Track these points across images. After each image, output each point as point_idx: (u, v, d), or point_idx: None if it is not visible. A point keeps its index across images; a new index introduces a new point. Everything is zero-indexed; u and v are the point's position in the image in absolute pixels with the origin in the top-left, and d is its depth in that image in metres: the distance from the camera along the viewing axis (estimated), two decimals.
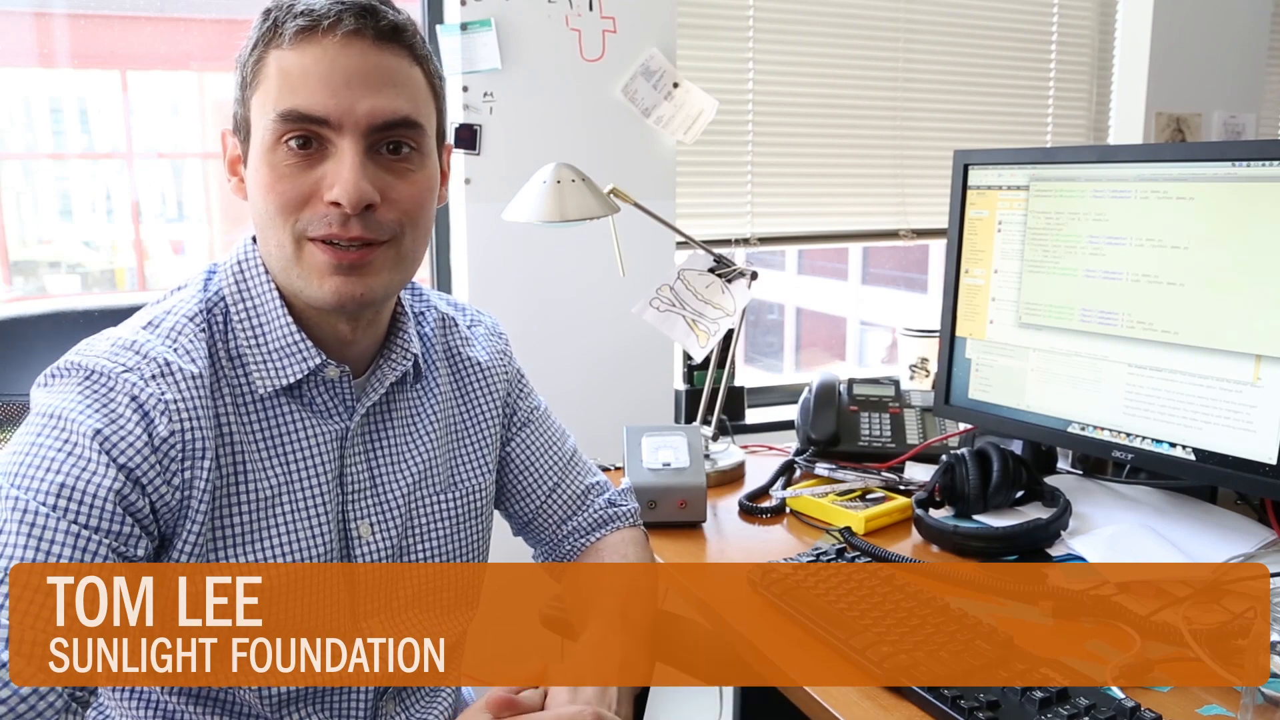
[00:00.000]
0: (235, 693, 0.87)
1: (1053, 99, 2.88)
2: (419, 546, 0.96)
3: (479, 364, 1.05)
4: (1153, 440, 1.18)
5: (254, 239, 0.90)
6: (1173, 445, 1.16)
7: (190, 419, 0.80)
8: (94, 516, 0.74)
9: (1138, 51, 2.89)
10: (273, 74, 0.81)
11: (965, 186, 1.37)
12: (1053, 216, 1.27)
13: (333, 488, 0.90)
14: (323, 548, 0.88)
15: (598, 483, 1.13)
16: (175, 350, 0.82)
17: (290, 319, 0.87)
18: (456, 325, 1.05)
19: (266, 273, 0.88)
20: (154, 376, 0.80)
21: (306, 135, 0.81)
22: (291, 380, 0.87)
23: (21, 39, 2.05)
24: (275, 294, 0.88)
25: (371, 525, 0.92)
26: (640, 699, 1.16)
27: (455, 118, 2.12)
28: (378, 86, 0.82)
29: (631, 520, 1.13)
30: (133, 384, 0.78)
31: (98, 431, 0.76)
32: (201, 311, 0.86)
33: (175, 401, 0.79)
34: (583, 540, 1.10)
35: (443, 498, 0.98)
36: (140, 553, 0.76)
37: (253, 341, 0.87)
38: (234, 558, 0.84)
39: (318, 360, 0.87)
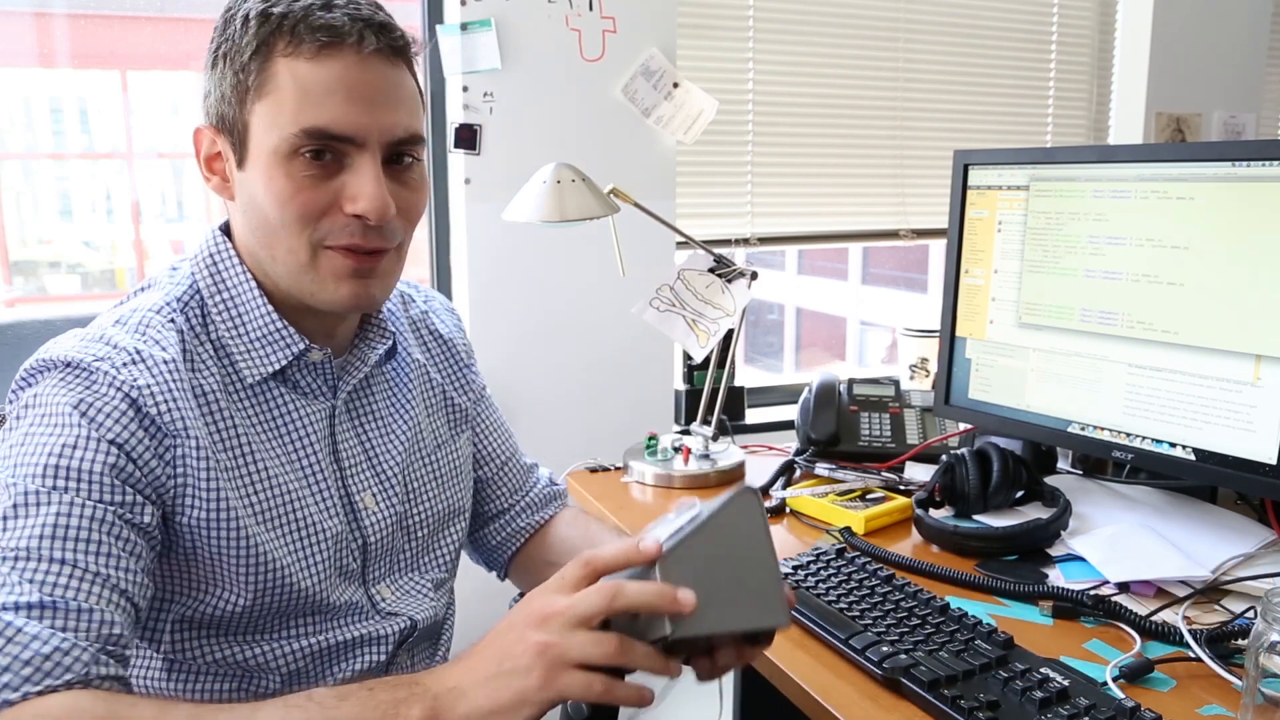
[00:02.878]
0: (254, 660, 0.89)
1: (1053, 99, 2.88)
2: (417, 510, 1.01)
3: (442, 335, 1.10)
4: (1153, 440, 1.18)
5: (222, 232, 0.92)
6: (1173, 445, 1.16)
7: (167, 400, 0.81)
8: (94, 489, 0.75)
9: (1138, 51, 2.89)
10: (287, 85, 0.81)
11: (965, 186, 1.37)
12: (1053, 216, 1.27)
13: (329, 464, 0.93)
14: (333, 520, 0.92)
15: (535, 462, 1.22)
16: (144, 340, 0.84)
17: (270, 307, 0.89)
18: (414, 300, 1.11)
19: (242, 264, 0.90)
20: (125, 364, 0.81)
21: (326, 148, 0.83)
22: (277, 367, 0.89)
23: (21, 39, 2.05)
24: (253, 284, 0.90)
25: (374, 496, 0.96)
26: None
27: (455, 118, 2.12)
28: (395, 104, 0.85)
29: (568, 500, 1.23)
30: (106, 371, 0.80)
31: (83, 413, 0.77)
32: (169, 304, 0.88)
33: (150, 385, 0.81)
34: (537, 516, 1.17)
35: (432, 458, 1.03)
36: (147, 519, 0.78)
37: (234, 332, 0.89)
38: (255, 537, 0.86)
39: (301, 346, 0.90)
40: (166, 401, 0.81)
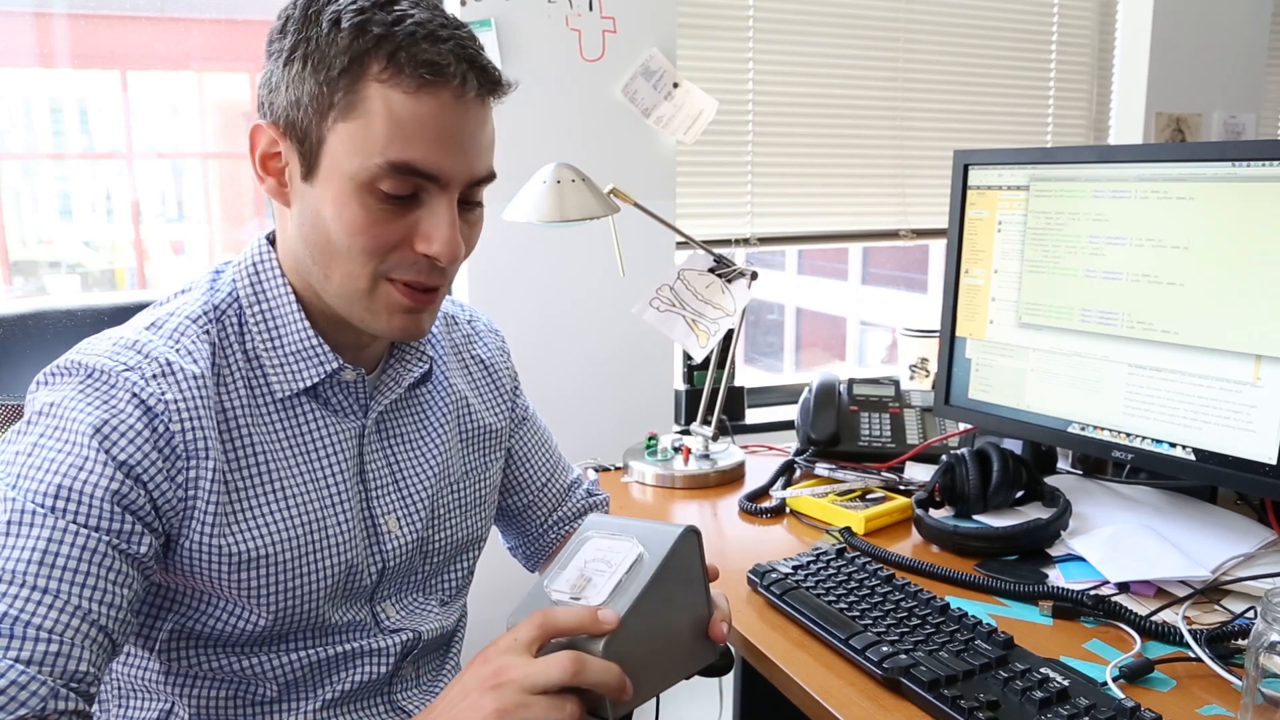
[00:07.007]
0: (249, 670, 0.88)
1: (1053, 99, 2.88)
2: (438, 536, 1.00)
3: (484, 361, 1.09)
4: (1153, 440, 1.18)
5: (269, 240, 0.91)
6: (1173, 445, 1.16)
7: (192, 419, 0.80)
8: (92, 515, 0.74)
9: (1138, 51, 2.90)
10: (380, 113, 0.78)
11: (965, 186, 1.37)
12: (1053, 216, 1.27)
13: (354, 484, 0.91)
14: (351, 542, 0.90)
15: (577, 478, 1.22)
16: (177, 350, 0.82)
17: (307, 323, 0.88)
18: (458, 323, 1.09)
19: (283, 275, 0.89)
20: (155, 376, 0.80)
21: (408, 184, 0.80)
22: (308, 384, 0.88)
23: (21, 39, 2.05)
24: (291, 297, 0.88)
25: (399, 520, 0.95)
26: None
27: None
28: (481, 147, 0.84)
29: (607, 509, 1.25)
30: (133, 382, 0.78)
31: (97, 430, 0.76)
32: (206, 313, 0.86)
33: (176, 401, 0.79)
34: (568, 527, 1.18)
35: (459, 486, 1.02)
36: (143, 549, 0.76)
37: (269, 344, 0.88)
38: (260, 561, 0.84)
39: (335, 364, 0.89)
40: (191, 419, 0.80)
